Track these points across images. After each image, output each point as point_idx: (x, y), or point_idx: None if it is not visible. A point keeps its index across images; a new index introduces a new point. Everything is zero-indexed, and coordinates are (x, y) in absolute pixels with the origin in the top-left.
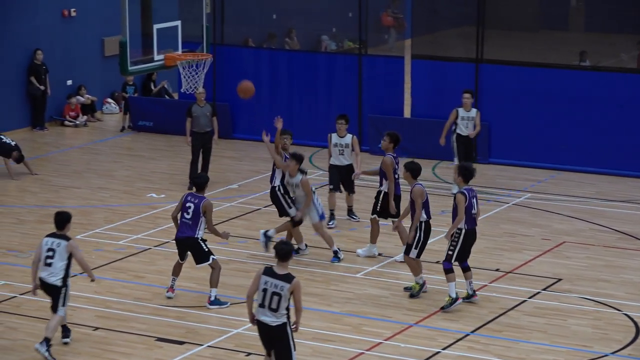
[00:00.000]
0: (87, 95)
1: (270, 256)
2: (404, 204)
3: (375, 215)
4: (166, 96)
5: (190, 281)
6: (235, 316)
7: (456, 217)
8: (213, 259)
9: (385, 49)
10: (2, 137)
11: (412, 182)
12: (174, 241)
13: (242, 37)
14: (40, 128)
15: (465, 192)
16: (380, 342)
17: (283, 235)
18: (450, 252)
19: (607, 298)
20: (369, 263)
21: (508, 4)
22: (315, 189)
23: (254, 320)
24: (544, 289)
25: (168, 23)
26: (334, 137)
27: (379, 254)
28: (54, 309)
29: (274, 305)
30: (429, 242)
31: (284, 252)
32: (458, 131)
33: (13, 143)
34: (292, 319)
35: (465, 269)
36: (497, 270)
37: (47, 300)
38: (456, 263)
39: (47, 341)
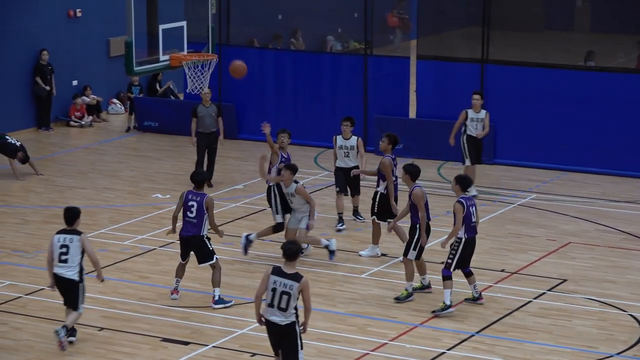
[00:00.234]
0: (93, 96)
1: (273, 257)
2: (401, 205)
3: (374, 217)
4: (172, 96)
5: (194, 282)
6: (240, 316)
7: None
8: (216, 258)
9: (390, 49)
10: (7, 137)
11: (411, 185)
12: (179, 240)
13: (247, 38)
14: (45, 128)
15: (463, 201)
16: (385, 343)
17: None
18: (449, 261)
19: (612, 299)
20: (374, 263)
21: (513, 5)
22: (319, 189)
23: (261, 321)
24: (549, 290)
25: (174, 23)
26: (339, 140)
27: (383, 255)
28: (73, 305)
29: (283, 305)
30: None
31: (292, 251)
32: (468, 132)
33: (18, 143)
34: (301, 319)
35: (468, 274)
36: (502, 270)
37: (52, 300)
38: (457, 271)
39: (66, 328)
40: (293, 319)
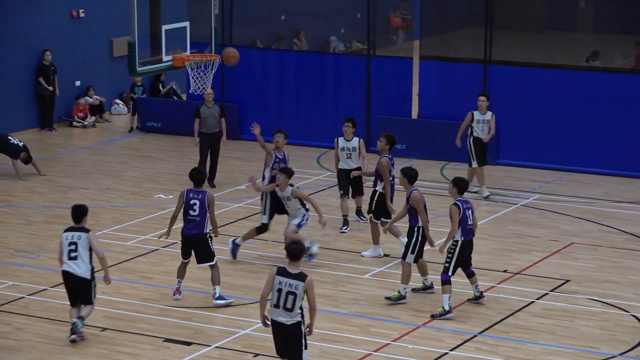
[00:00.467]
0: (96, 96)
1: (276, 258)
2: (396, 205)
3: (371, 215)
4: (174, 97)
5: (197, 282)
6: (242, 317)
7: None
8: (215, 260)
9: (393, 49)
10: (10, 137)
11: (408, 188)
12: (181, 240)
13: (250, 38)
14: (48, 129)
15: (459, 203)
16: (388, 343)
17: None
18: (447, 265)
19: (615, 299)
20: (376, 264)
21: (516, 5)
22: (322, 190)
23: (266, 323)
24: (552, 290)
25: (176, 24)
26: (341, 141)
27: (386, 255)
28: (86, 300)
29: (289, 305)
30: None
31: (296, 252)
32: (475, 134)
33: (21, 144)
34: (306, 319)
35: (470, 274)
36: (505, 271)
37: (55, 301)
38: (459, 271)
39: (82, 319)
40: (299, 318)
